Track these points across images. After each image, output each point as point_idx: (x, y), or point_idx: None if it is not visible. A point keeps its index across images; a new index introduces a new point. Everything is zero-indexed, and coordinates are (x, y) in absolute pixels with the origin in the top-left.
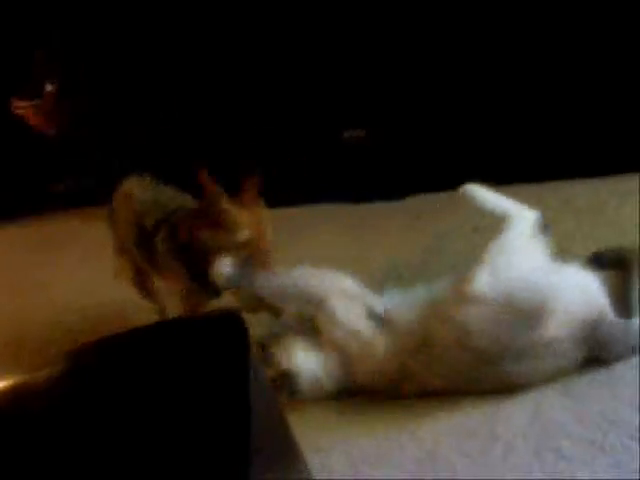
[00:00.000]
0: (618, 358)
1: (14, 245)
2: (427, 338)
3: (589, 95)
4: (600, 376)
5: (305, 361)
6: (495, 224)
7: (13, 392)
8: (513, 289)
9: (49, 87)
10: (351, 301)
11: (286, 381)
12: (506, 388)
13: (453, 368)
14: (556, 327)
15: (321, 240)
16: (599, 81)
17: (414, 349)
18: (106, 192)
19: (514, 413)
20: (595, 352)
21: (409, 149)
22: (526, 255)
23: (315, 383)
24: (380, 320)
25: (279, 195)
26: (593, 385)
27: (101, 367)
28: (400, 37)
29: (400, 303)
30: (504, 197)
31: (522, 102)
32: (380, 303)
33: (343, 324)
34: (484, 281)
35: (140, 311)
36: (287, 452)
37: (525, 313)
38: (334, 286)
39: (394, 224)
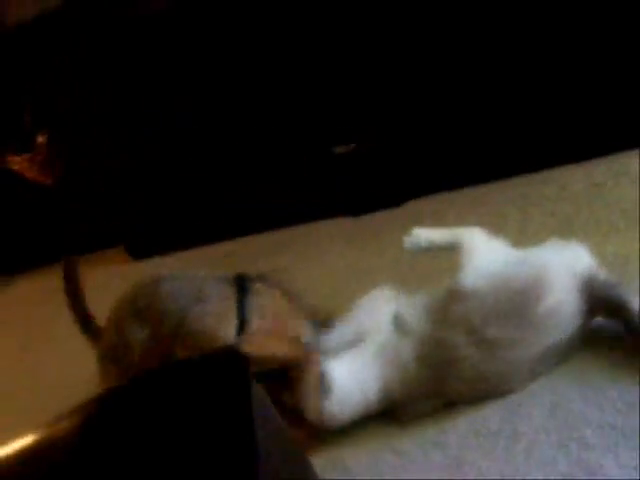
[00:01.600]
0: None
1: (21, 299)
2: (439, 343)
3: (575, 79)
4: (613, 359)
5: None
6: (497, 222)
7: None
8: (504, 272)
9: (40, 139)
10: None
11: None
12: (526, 378)
13: (473, 368)
14: (556, 293)
15: (326, 257)
16: (583, 61)
17: (430, 356)
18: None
19: (534, 409)
20: (596, 313)
21: (401, 156)
22: (497, 249)
23: (352, 393)
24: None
25: (277, 216)
26: (608, 370)
27: (111, 417)
28: (382, 48)
29: (408, 311)
30: (445, 229)
31: (509, 98)
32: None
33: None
34: (472, 275)
35: None
36: None
37: (523, 290)
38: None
39: (396, 231)
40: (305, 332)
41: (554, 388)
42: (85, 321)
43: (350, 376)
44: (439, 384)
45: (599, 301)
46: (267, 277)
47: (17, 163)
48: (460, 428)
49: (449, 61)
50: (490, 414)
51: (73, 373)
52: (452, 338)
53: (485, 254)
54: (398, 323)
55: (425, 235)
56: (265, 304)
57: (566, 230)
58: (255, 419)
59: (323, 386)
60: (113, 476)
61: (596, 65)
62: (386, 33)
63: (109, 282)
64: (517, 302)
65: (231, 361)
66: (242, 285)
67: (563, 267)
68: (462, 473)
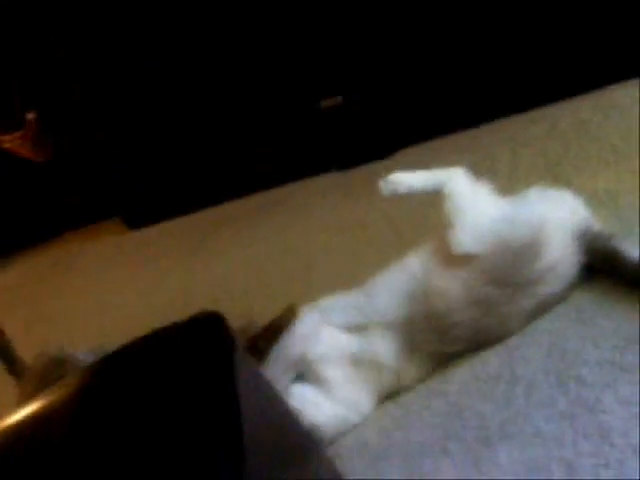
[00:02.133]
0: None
1: (22, 276)
2: (430, 314)
3: (557, 15)
4: (607, 296)
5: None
6: (487, 165)
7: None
8: (498, 232)
9: (30, 116)
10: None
11: None
12: (524, 323)
13: (469, 328)
14: (553, 250)
15: (320, 212)
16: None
17: (424, 333)
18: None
19: (531, 351)
20: (593, 263)
21: (387, 106)
22: (485, 199)
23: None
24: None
25: (268, 175)
26: (603, 306)
27: (101, 384)
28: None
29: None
30: (424, 172)
31: (493, 39)
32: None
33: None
34: (464, 237)
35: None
36: (293, 446)
37: (522, 250)
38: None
39: None
40: None
41: (550, 329)
42: (9, 362)
43: (335, 408)
44: (436, 350)
45: (595, 253)
46: None
47: (8, 141)
48: (459, 375)
49: (431, 6)
50: (488, 359)
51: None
52: (444, 305)
53: (474, 207)
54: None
55: (403, 179)
56: None
57: (556, 169)
58: (239, 381)
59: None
60: (105, 443)
61: (578, 1)
62: None
63: (108, 253)
64: (514, 263)
65: (213, 323)
66: None
67: (558, 222)
68: (463, 419)
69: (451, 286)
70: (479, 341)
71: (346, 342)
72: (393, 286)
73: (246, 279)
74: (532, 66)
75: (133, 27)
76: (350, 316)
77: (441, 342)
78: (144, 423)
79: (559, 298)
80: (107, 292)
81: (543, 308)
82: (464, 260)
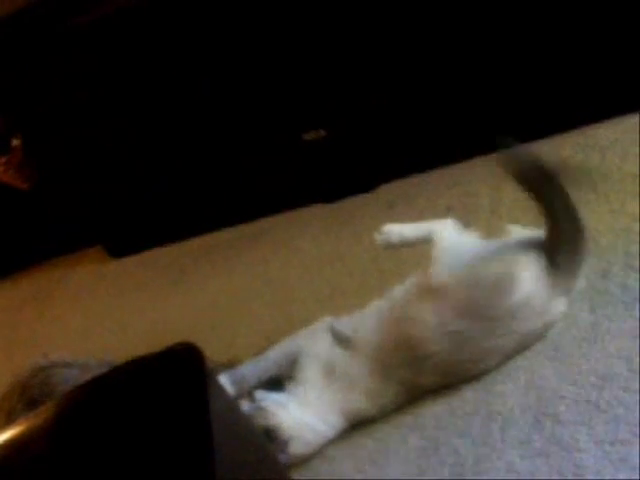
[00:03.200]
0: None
1: (3, 303)
2: (405, 343)
3: (544, 55)
4: (586, 334)
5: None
6: (469, 201)
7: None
8: (473, 267)
9: (15, 142)
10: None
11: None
12: (501, 361)
13: (445, 361)
14: (526, 284)
15: (302, 244)
16: (551, 40)
17: (399, 360)
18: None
19: (508, 387)
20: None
21: (370, 141)
22: (468, 242)
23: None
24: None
25: (252, 208)
26: (580, 345)
27: (76, 413)
28: (349, 34)
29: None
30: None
31: (476, 77)
32: (347, 324)
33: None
34: (442, 271)
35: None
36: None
37: (495, 285)
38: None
39: (369, 217)
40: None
41: (528, 366)
42: None
43: (303, 414)
44: (411, 382)
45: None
46: None
47: None
48: (436, 410)
49: (415, 43)
50: (465, 395)
51: None
52: (420, 334)
53: (456, 248)
54: (342, 339)
55: (397, 230)
56: None
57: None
58: (211, 411)
59: (279, 443)
60: (78, 472)
61: (565, 42)
62: (354, 19)
63: (89, 282)
64: (486, 297)
65: (189, 355)
66: None
67: (531, 258)
68: (439, 455)
69: (426, 316)
70: (453, 376)
71: (330, 351)
72: (377, 311)
73: (227, 310)
74: (513, 104)
75: (117, 58)
76: (347, 329)
77: (414, 372)
78: (116, 453)
79: (538, 336)
80: (87, 321)
81: (522, 346)
82: (440, 293)
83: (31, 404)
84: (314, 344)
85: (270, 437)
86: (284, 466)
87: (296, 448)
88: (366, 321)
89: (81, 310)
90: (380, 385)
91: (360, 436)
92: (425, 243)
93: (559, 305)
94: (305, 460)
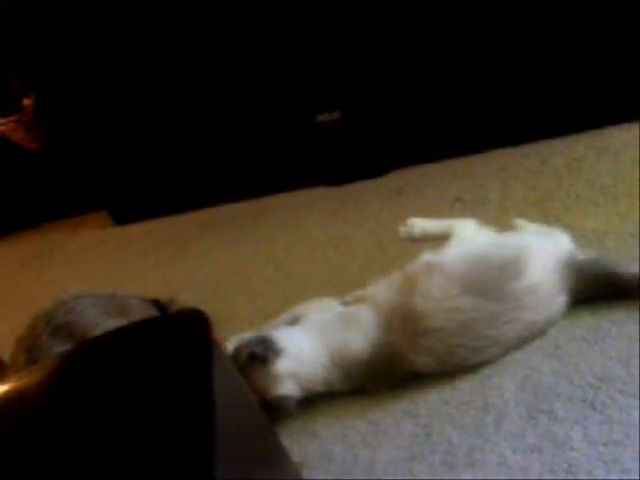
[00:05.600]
0: (596, 296)
1: (3, 261)
2: (408, 313)
3: (559, 52)
4: (586, 334)
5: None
6: (478, 194)
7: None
8: (485, 250)
9: (26, 101)
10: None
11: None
12: (499, 353)
13: (443, 342)
14: (535, 272)
15: (307, 225)
16: (566, 36)
17: (399, 326)
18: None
19: (504, 381)
20: (575, 294)
21: (383, 126)
22: (483, 236)
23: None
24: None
25: (259, 184)
26: (580, 344)
27: (79, 370)
28: (366, 17)
29: (380, 284)
30: (439, 220)
31: (493, 70)
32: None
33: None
34: (452, 251)
35: None
36: (263, 449)
37: (503, 265)
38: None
39: (377, 202)
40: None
41: (526, 361)
42: None
43: (300, 339)
44: (405, 355)
45: (586, 280)
46: (177, 301)
47: (2, 125)
48: (430, 398)
49: (432, 31)
50: (461, 385)
51: None
52: (423, 307)
53: (470, 239)
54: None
55: (420, 225)
56: None
57: (546, 204)
58: (214, 376)
59: (272, 348)
60: (80, 429)
61: (580, 40)
62: (370, 1)
63: (91, 246)
64: (495, 276)
65: (193, 320)
66: (160, 307)
67: (542, 249)
68: (431, 442)
69: (432, 289)
70: (448, 364)
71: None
72: (389, 279)
73: (228, 283)
74: (528, 100)
75: (134, 27)
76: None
77: (410, 346)
78: (116, 414)
79: (539, 330)
80: (86, 284)
81: (522, 339)
82: (448, 269)
83: (56, 332)
84: (321, 304)
85: (266, 343)
86: (279, 440)
87: (286, 361)
88: (379, 284)
89: (81, 272)
90: (378, 335)
91: (353, 418)
92: (445, 239)
93: (562, 303)
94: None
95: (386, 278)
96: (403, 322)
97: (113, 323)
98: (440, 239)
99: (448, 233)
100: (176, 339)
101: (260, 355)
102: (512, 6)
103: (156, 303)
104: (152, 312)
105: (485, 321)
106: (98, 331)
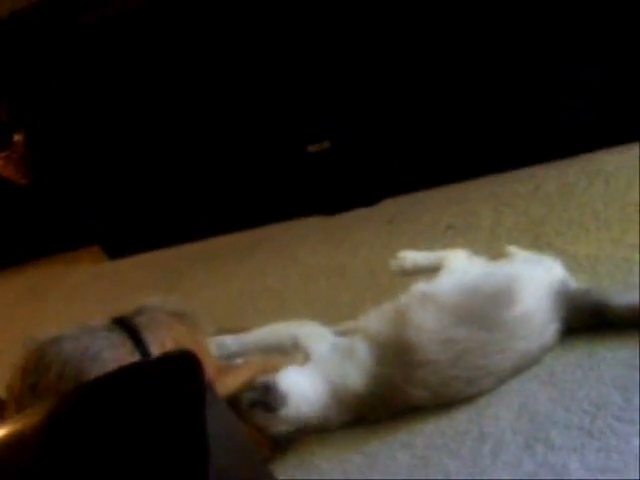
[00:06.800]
0: (589, 326)
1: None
2: (402, 344)
3: (551, 79)
4: (582, 361)
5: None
6: (470, 221)
7: None
8: (477, 279)
9: (17, 137)
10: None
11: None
12: (494, 383)
13: (437, 374)
14: (527, 300)
15: (301, 255)
16: (557, 63)
17: (393, 358)
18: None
19: (501, 410)
20: (567, 322)
21: (375, 155)
22: (475, 265)
23: (306, 405)
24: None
25: (252, 215)
26: (576, 371)
27: (72, 415)
28: (356, 47)
29: (373, 315)
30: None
31: (484, 97)
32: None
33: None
34: (445, 281)
35: None
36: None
37: (495, 294)
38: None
39: (369, 231)
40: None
41: (521, 389)
42: None
43: (302, 381)
44: (400, 388)
45: (576, 309)
46: (145, 308)
47: None
48: (427, 428)
49: (423, 60)
50: (457, 414)
51: None
52: (417, 338)
53: (463, 269)
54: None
55: (411, 257)
56: (161, 333)
57: (538, 230)
58: (208, 419)
59: (276, 397)
60: (74, 474)
61: (571, 64)
62: (360, 31)
63: (85, 281)
64: (487, 306)
65: (185, 363)
66: (127, 325)
67: (534, 278)
68: (428, 473)
69: (426, 321)
70: (444, 396)
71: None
72: (381, 310)
73: (222, 316)
74: (519, 125)
75: (123, 64)
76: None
77: (405, 378)
78: (111, 459)
79: (533, 358)
80: (82, 319)
81: (517, 368)
82: (441, 299)
83: (33, 388)
84: (316, 330)
85: (270, 392)
86: (271, 473)
87: (290, 406)
88: (371, 315)
89: (75, 309)
90: (374, 367)
91: (349, 450)
92: (436, 270)
93: (555, 331)
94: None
95: (377, 309)
96: (397, 354)
97: (87, 369)
98: (432, 271)
99: (440, 264)
100: (168, 382)
101: (264, 403)
102: (501, 33)
103: (121, 322)
104: (120, 340)
105: (479, 351)
106: (71, 383)
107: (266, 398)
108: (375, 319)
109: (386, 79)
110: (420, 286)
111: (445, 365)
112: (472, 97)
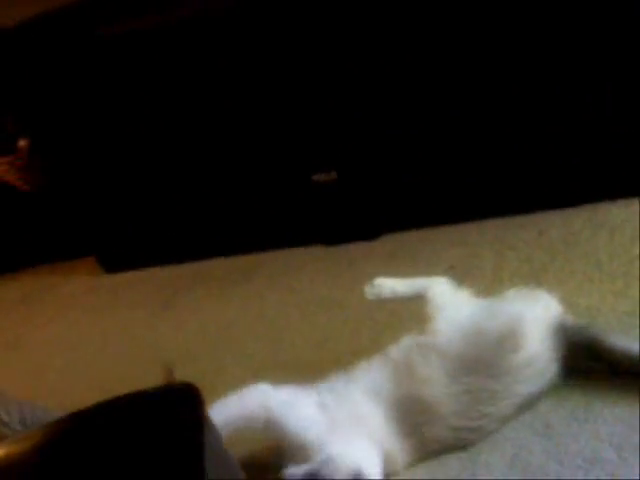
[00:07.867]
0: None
1: None
2: (413, 401)
3: (559, 127)
4: (577, 414)
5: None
6: (472, 263)
7: None
8: (477, 323)
9: (22, 143)
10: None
11: None
12: (497, 428)
13: (449, 427)
14: (532, 343)
15: (299, 284)
16: (566, 110)
17: (406, 418)
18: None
19: (494, 458)
20: (565, 361)
21: (379, 189)
22: (464, 300)
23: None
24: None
25: (251, 239)
26: (571, 424)
27: (70, 440)
28: (365, 80)
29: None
30: (408, 279)
31: (492, 139)
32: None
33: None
34: (444, 327)
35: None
36: None
37: (500, 340)
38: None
39: (369, 265)
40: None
41: (515, 438)
42: None
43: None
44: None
45: (575, 346)
46: None
47: None
48: (418, 473)
49: (429, 99)
50: (449, 461)
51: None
52: (430, 394)
53: (453, 306)
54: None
55: (388, 285)
56: None
57: (540, 277)
58: (206, 452)
59: None
60: None
61: (579, 114)
62: (367, 63)
63: (79, 292)
64: (493, 352)
65: (185, 395)
66: None
67: (535, 317)
68: None
69: (433, 373)
70: (453, 447)
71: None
72: (375, 372)
73: (215, 340)
74: (526, 171)
75: (131, 78)
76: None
77: (420, 437)
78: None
79: (533, 400)
80: (72, 331)
81: (517, 412)
82: (445, 349)
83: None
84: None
85: None
86: None
87: None
88: (362, 383)
89: (68, 320)
90: (387, 432)
91: None
92: (417, 299)
93: (555, 372)
94: None
95: (367, 362)
96: (409, 412)
97: None
98: (411, 298)
99: (420, 293)
100: (167, 415)
101: None
102: (508, 76)
103: None
104: None
105: (487, 399)
106: None
107: None
108: (370, 374)
109: (396, 117)
110: (416, 338)
111: (457, 417)
112: (482, 140)
